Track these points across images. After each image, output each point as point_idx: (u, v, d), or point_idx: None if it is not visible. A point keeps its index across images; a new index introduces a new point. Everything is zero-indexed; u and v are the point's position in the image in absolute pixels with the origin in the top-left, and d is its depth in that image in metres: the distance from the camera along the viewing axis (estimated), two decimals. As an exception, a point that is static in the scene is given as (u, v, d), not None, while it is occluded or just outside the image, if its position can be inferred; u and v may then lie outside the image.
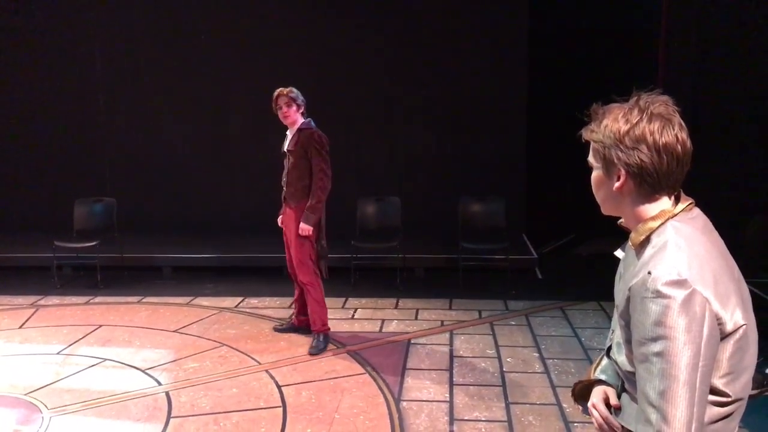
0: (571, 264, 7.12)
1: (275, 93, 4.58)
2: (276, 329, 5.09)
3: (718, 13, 5.97)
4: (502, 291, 6.06)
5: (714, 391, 1.33)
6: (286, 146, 4.66)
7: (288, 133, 4.68)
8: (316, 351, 4.63)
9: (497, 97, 7.26)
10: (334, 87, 7.18)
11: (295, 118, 4.57)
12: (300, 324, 4.98)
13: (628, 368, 1.45)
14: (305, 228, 4.54)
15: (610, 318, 5.24)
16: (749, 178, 5.91)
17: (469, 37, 7.21)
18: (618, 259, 1.60)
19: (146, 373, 4.37)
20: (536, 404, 3.88)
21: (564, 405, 3.84)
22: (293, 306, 5.10)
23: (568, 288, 6.17)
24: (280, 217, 4.84)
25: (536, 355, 4.63)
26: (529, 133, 7.34)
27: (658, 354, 1.26)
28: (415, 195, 7.04)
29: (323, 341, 4.71)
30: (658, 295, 1.27)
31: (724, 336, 1.31)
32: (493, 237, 6.34)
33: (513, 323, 5.29)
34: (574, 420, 3.66)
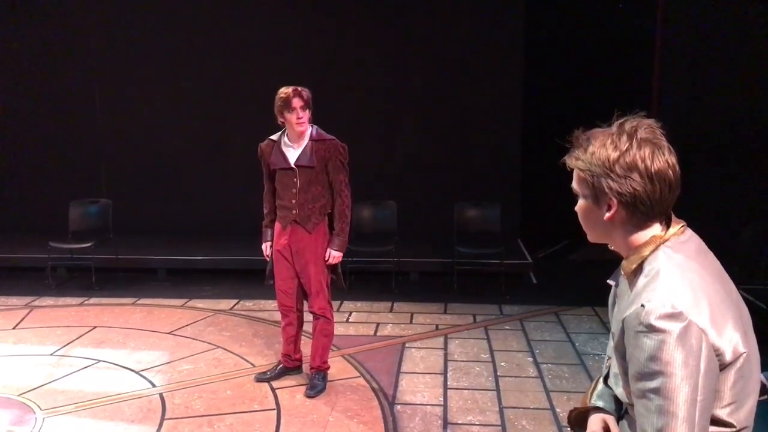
0: (565, 269, 7.13)
1: (286, 93, 3.77)
2: (260, 379, 4.24)
3: (712, 24, 6.03)
4: (497, 295, 6.07)
5: (718, 422, 1.29)
6: (293, 160, 3.87)
7: (287, 140, 3.91)
8: (315, 393, 4.01)
9: (493, 103, 7.30)
10: (330, 90, 7.18)
11: (307, 126, 3.87)
12: (293, 366, 4.28)
13: (627, 400, 1.42)
14: (338, 256, 3.96)
15: (604, 323, 5.28)
16: (744, 187, 5.95)
17: (465, 42, 7.24)
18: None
19: (140, 375, 4.36)
20: (530, 408, 3.89)
21: (557, 409, 3.86)
22: (283, 353, 4.28)
23: (562, 293, 6.18)
24: (268, 244, 4.08)
25: (530, 359, 4.65)
26: (524, 138, 7.37)
27: (655, 390, 1.23)
28: (411, 199, 7.05)
29: (323, 381, 4.10)
30: (652, 329, 1.23)
31: (724, 366, 1.27)
32: (487, 242, 6.36)
33: (507, 328, 5.31)
34: (568, 425, 3.67)
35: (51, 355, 4.72)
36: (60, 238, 6.46)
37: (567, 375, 4.37)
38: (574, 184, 1.44)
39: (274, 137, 4.02)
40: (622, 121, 1.36)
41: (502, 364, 4.56)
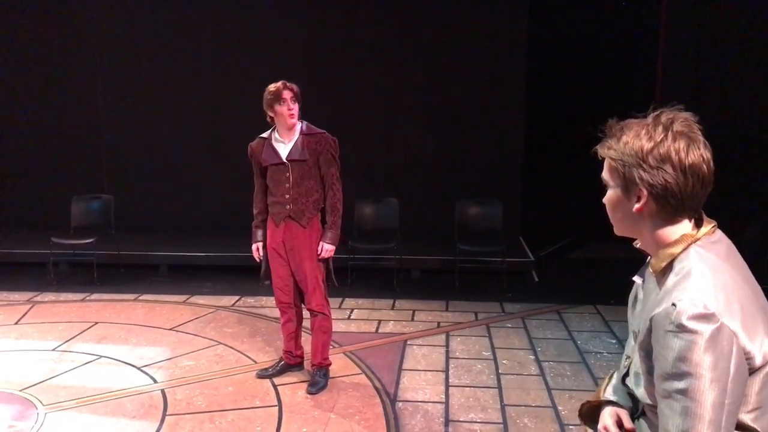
0: (567, 267, 7.13)
1: (276, 86, 3.80)
2: (261, 376, 4.24)
3: (716, 22, 6.01)
4: (499, 293, 6.07)
5: (742, 427, 1.28)
6: (285, 155, 3.88)
7: (277, 136, 3.92)
8: (316, 390, 4.01)
9: (495, 101, 7.28)
10: (332, 87, 7.19)
11: (297, 119, 3.89)
12: (295, 363, 4.28)
13: (648, 401, 1.40)
14: (331, 249, 3.96)
15: (606, 321, 5.27)
16: (747, 187, 5.93)
17: (468, 40, 7.22)
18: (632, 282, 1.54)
19: (142, 371, 4.37)
20: (531, 406, 3.89)
21: (559, 407, 3.85)
22: (284, 349, 4.28)
23: (564, 291, 6.17)
24: (259, 245, 4.12)
25: (532, 357, 4.65)
26: (526, 136, 7.36)
27: (682, 391, 1.20)
28: (413, 197, 7.04)
29: (324, 377, 4.09)
30: (683, 329, 1.21)
31: (753, 371, 1.25)
32: (489, 239, 6.36)
33: (509, 325, 5.30)
34: (570, 423, 3.67)
35: (53, 350, 4.72)
36: (62, 234, 6.46)
37: (569, 373, 4.36)
38: (605, 174, 1.42)
39: (264, 135, 4.03)
40: (658, 112, 1.34)
41: (504, 361, 4.56)
